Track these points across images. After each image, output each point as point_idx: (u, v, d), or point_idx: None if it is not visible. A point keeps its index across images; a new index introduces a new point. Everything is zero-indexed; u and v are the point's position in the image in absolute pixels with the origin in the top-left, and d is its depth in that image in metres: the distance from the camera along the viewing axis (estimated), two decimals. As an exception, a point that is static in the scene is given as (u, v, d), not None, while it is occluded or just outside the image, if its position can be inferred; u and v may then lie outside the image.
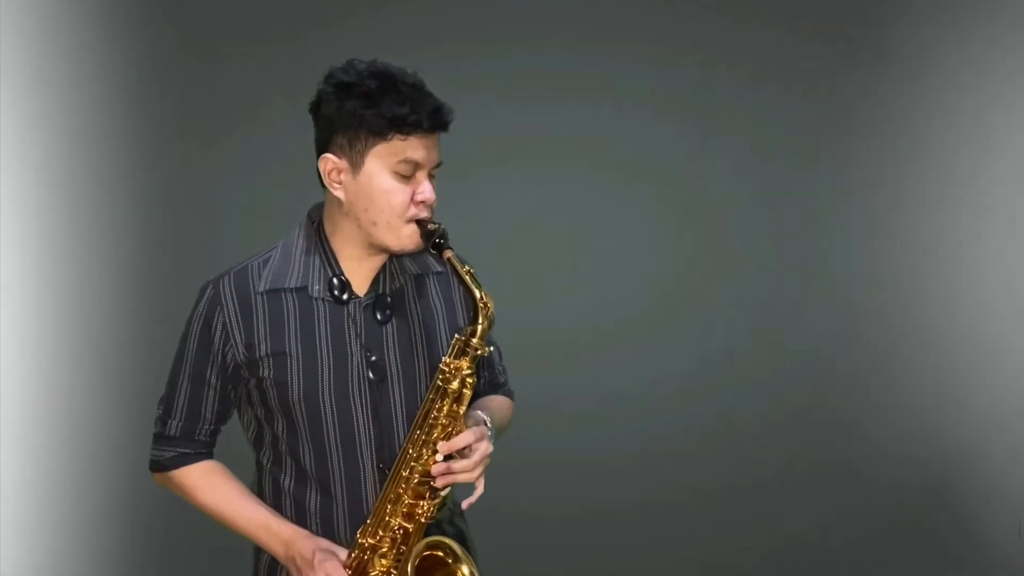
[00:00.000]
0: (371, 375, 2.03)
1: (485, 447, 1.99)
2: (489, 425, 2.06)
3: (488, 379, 2.26)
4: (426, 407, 1.99)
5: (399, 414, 2.06)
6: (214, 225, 3.91)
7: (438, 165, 2.02)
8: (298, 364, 2.02)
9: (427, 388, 2.03)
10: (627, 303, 4.21)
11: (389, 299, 2.07)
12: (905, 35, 4.00)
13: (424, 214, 1.99)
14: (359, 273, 2.06)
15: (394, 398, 2.05)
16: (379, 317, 2.05)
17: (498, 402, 2.25)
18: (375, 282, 2.07)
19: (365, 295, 2.06)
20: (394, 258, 2.08)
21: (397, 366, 2.06)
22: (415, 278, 2.12)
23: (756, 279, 4.25)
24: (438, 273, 2.15)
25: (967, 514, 3.73)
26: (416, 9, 3.99)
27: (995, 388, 3.63)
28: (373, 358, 2.04)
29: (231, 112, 3.93)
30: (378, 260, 2.06)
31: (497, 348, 2.28)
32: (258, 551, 2.14)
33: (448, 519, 2.17)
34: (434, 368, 2.04)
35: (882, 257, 4.12)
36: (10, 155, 2.77)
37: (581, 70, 4.10)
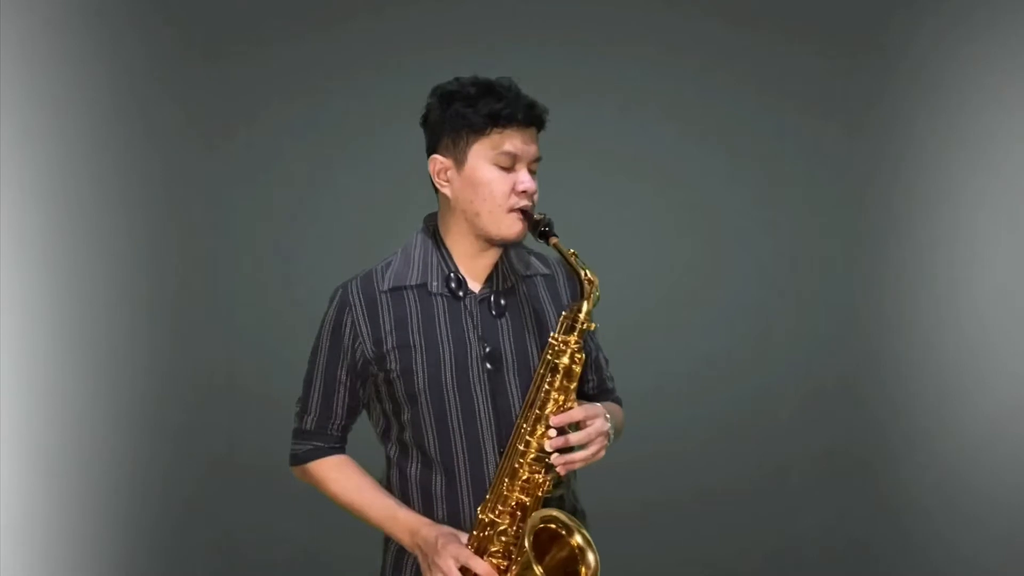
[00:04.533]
0: (488, 364, 2.18)
1: (600, 424, 2.11)
2: (606, 415, 2.16)
3: (596, 383, 2.39)
4: (537, 382, 2.12)
5: (515, 400, 2.19)
6: (218, 227, 3.91)
7: (537, 159, 2.20)
8: (422, 355, 2.17)
9: None
10: (627, 304, 4.20)
11: (502, 294, 2.22)
12: (905, 37, 4.00)
13: (525, 203, 2.16)
14: (474, 270, 2.22)
15: (510, 385, 2.19)
16: (493, 312, 2.21)
17: (610, 405, 2.34)
18: (488, 279, 2.23)
19: (480, 291, 2.21)
20: (505, 259, 2.24)
21: (512, 356, 2.20)
22: (524, 279, 2.27)
23: (756, 281, 4.25)
24: (545, 275, 2.31)
25: (969, 514, 3.73)
26: (416, 10, 3.99)
27: (996, 388, 3.63)
28: (488, 348, 2.18)
29: (234, 113, 3.94)
30: (490, 258, 2.23)
31: (605, 357, 2.42)
32: (387, 541, 2.28)
33: (570, 507, 2.29)
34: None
35: (882, 258, 4.12)
36: (11, 156, 2.77)
37: (581, 72, 4.10)
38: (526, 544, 2.03)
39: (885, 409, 4.11)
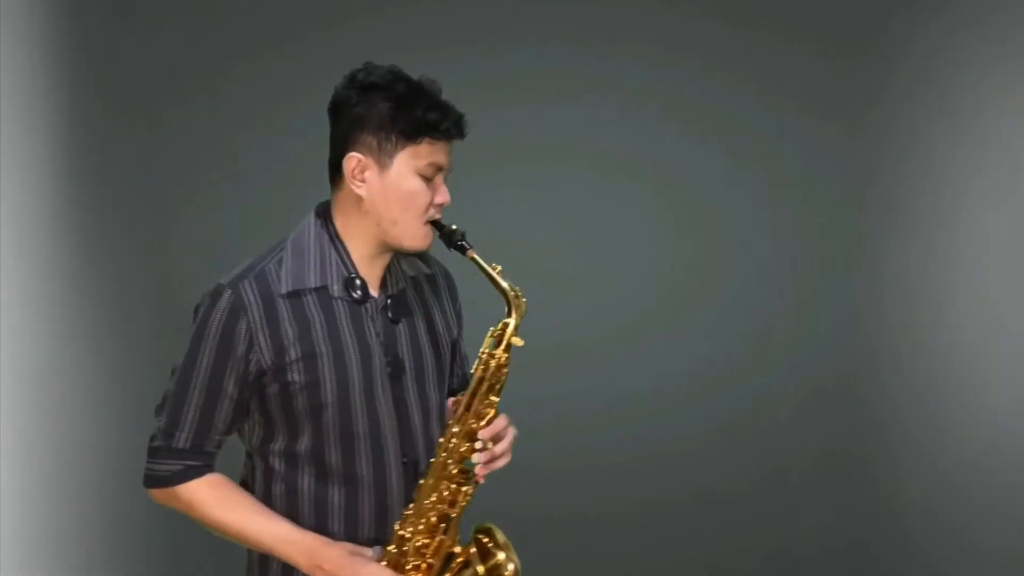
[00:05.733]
0: (391, 371, 2.09)
1: (513, 429, 2.11)
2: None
3: (460, 377, 2.32)
4: (467, 399, 2.08)
5: (414, 409, 2.12)
6: (211, 226, 3.91)
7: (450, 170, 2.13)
8: (329, 363, 2.04)
9: (435, 382, 2.16)
10: (627, 305, 4.21)
11: (397, 299, 2.13)
12: (905, 37, 4.00)
13: (439, 216, 2.09)
14: (371, 273, 2.11)
15: (408, 393, 2.11)
16: (392, 317, 2.12)
17: None
18: (383, 282, 2.13)
19: (379, 295, 2.12)
20: (395, 261, 2.15)
21: (410, 363, 2.12)
22: (411, 279, 2.19)
23: (756, 281, 4.25)
24: (428, 275, 2.23)
25: (969, 513, 3.73)
26: (417, 10, 3.99)
27: (996, 388, 3.62)
28: (391, 356, 2.10)
29: (234, 114, 3.94)
30: (384, 260, 2.12)
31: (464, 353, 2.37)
32: (254, 562, 2.14)
33: None
34: (440, 363, 2.18)
35: (882, 258, 4.12)
36: (11, 155, 2.77)
37: (581, 72, 4.10)
38: (471, 549, 2.07)
39: (885, 409, 4.11)
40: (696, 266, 4.23)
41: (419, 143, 2.03)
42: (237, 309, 2.00)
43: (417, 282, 2.19)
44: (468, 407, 2.07)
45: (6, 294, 2.70)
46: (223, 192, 3.96)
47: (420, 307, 2.18)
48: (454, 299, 2.28)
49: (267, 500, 2.10)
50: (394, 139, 2.03)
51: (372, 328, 2.09)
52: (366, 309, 2.09)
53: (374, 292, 2.12)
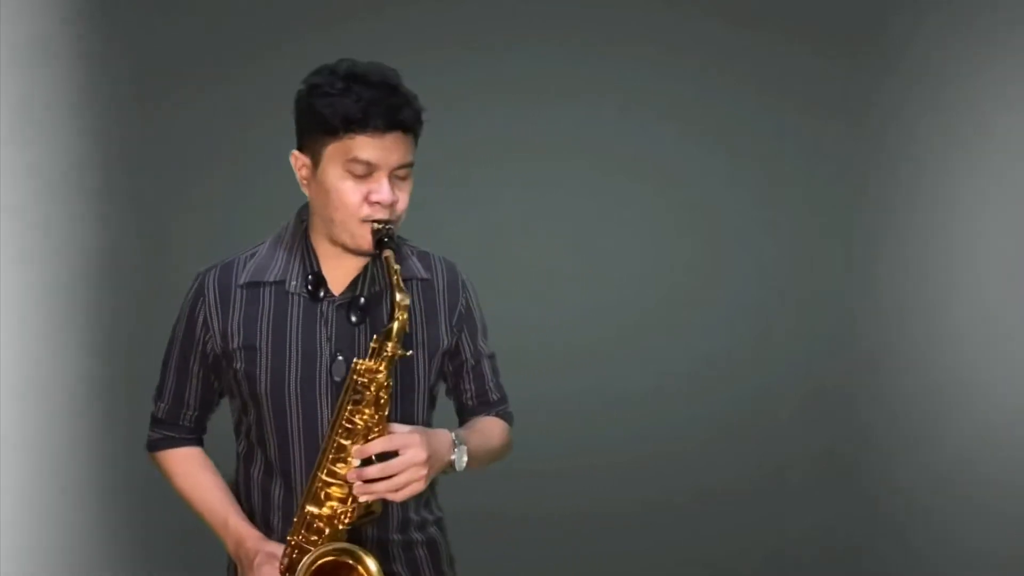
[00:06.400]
0: (335, 375, 2.03)
1: (412, 455, 1.91)
2: (457, 441, 2.03)
3: (474, 394, 2.22)
4: (338, 409, 1.95)
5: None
6: (221, 227, 3.91)
7: (404, 166, 1.99)
8: (267, 358, 2.04)
9: (398, 391, 2.05)
10: (627, 305, 4.21)
11: (363, 301, 2.06)
12: (906, 39, 4.00)
13: (379, 215, 1.97)
14: (338, 272, 2.07)
15: None
16: (352, 318, 2.05)
17: (487, 423, 2.21)
18: (353, 283, 2.07)
19: (340, 295, 2.06)
20: (378, 261, 2.04)
21: None
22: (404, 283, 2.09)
23: (756, 281, 4.25)
24: (423, 280, 2.14)
25: (970, 514, 3.73)
26: (416, 10, 3.99)
27: (996, 388, 3.62)
28: (340, 358, 2.03)
29: (234, 114, 3.93)
30: (359, 261, 2.06)
31: (492, 365, 2.24)
32: None
33: (418, 524, 2.16)
34: (411, 373, 2.08)
35: (882, 259, 4.12)
36: (12, 158, 2.77)
37: (581, 72, 4.10)
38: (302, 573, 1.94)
39: (885, 409, 4.11)
40: (696, 266, 4.23)
41: (340, 138, 1.95)
42: (198, 295, 2.08)
43: (406, 286, 2.04)
44: (337, 420, 1.95)
45: (6, 292, 2.70)
46: (226, 192, 3.95)
47: None
48: (452, 308, 2.16)
49: (237, 485, 2.16)
50: (319, 136, 1.97)
51: (324, 328, 2.04)
52: (320, 308, 2.05)
53: (337, 292, 2.06)
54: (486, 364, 2.22)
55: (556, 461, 3.99)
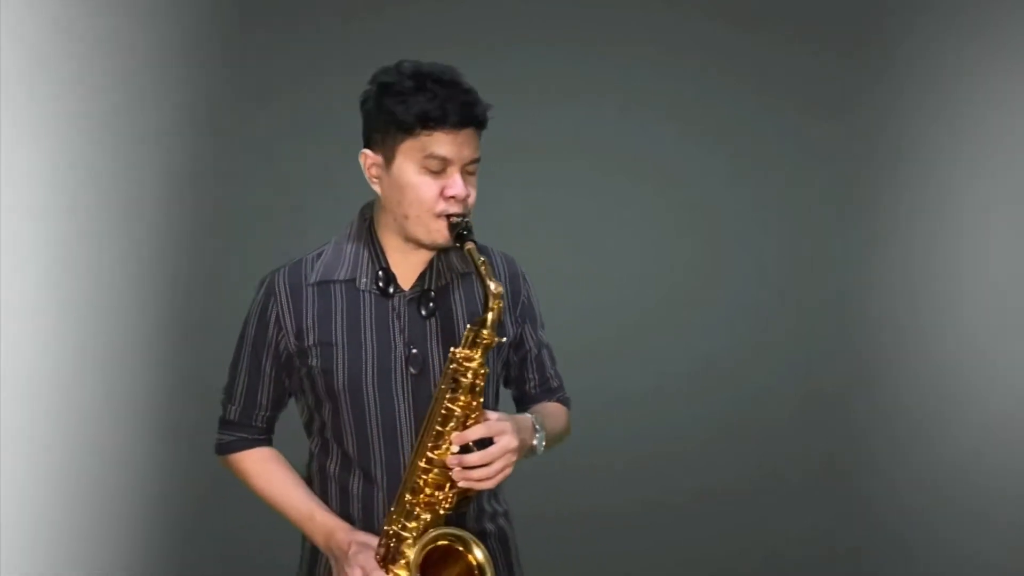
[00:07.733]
0: (411, 368, 2.10)
1: (506, 441, 1.99)
2: (538, 426, 2.10)
3: (538, 382, 2.29)
4: (437, 397, 2.02)
5: None
6: (224, 226, 3.91)
7: (474, 161, 2.09)
8: (343, 353, 2.10)
9: None
10: (627, 305, 4.21)
11: (433, 294, 2.12)
12: (906, 39, 4.00)
13: (454, 209, 2.05)
14: (405, 267, 2.13)
15: (434, 390, 2.07)
16: (423, 312, 2.12)
17: (553, 408, 2.28)
18: (421, 277, 2.13)
19: (410, 289, 2.12)
20: (442, 255, 2.14)
21: (439, 360, 2.10)
22: (462, 276, 2.17)
23: (756, 282, 4.25)
24: (467, 274, 2.19)
25: (968, 517, 3.73)
26: (416, 10, 3.99)
27: (996, 389, 3.63)
28: (414, 351, 2.10)
29: (233, 115, 3.93)
30: (424, 255, 2.13)
31: (550, 353, 2.32)
32: (304, 537, 2.21)
33: (490, 515, 2.22)
34: None
35: (882, 260, 4.12)
36: (12, 154, 2.77)
37: (581, 72, 4.10)
38: (415, 558, 2.00)
39: (884, 410, 4.11)
40: (696, 266, 4.23)
41: (415, 135, 2.02)
42: (268, 295, 2.13)
43: (468, 279, 2.16)
44: (436, 407, 2.01)
45: (8, 292, 2.70)
46: (229, 192, 3.95)
47: (464, 304, 2.16)
48: (515, 299, 2.23)
49: (311, 480, 2.20)
50: (393, 133, 2.03)
51: (396, 322, 2.10)
52: (393, 304, 2.11)
53: (405, 286, 2.12)
54: (546, 353, 2.30)
55: (556, 461, 3.98)
